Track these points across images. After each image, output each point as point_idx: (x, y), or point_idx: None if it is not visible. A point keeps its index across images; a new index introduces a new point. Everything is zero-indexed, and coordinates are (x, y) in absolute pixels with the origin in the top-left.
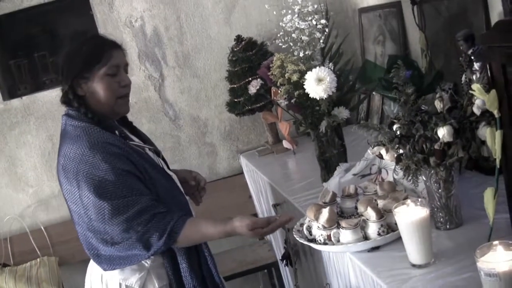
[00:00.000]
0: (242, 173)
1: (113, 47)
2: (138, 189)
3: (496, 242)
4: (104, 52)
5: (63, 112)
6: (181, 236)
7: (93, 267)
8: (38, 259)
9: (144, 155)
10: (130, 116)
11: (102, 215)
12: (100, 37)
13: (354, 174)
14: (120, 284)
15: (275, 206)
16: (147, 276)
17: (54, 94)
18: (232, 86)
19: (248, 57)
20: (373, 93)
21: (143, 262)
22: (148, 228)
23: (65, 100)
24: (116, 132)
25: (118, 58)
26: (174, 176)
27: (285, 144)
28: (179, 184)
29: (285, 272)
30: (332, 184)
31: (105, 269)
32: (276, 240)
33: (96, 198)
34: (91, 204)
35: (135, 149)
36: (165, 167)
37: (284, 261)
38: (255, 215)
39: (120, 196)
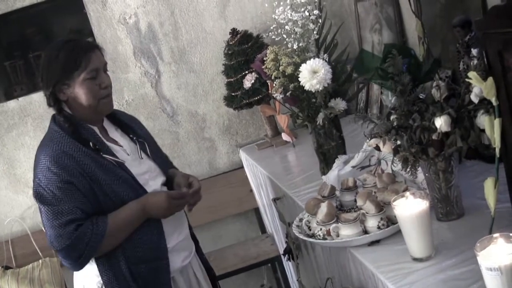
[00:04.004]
0: (242, 167)
1: (90, 50)
2: (75, 201)
3: (496, 235)
4: (82, 57)
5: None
6: (108, 231)
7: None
8: (40, 261)
9: (112, 169)
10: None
11: (43, 217)
12: (75, 41)
13: (353, 167)
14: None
15: (275, 200)
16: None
17: None
18: (229, 80)
19: (244, 50)
20: (372, 82)
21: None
22: (75, 237)
23: (48, 105)
24: (91, 144)
25: (96, 61)
26: (154, 186)
27: (284, 137)
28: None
29: (288, 266)
30: (331, 177)
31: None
32: (278, 234)
33: (38, 202)
34: (38, 205)
35: (102, 163)
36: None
37: (286, 255)
38: (257, 209)
39: (55, 204)
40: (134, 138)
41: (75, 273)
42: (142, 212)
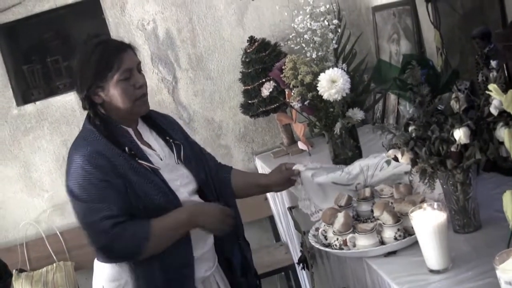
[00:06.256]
0: None
1: (121, 50)
2: (111, 198)
3: None
4: (114, 58)
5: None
6: (152, 234)
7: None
8: (54, 264)
9: (145, 173)
10: None
11: (79, 216)
12: (107, 42)
13: (334, 182)
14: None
15: (290, 208)
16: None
17: (67, 99)
18: (246, 87)
19: (261, 58)
20: (389, 92)
21: (123, 272)
22: (113, 235)
23: (84, 108)
24: (126, 149)
25: (128, 61)
26: (185, 194)
27: (300, 145)
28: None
29: (302, 275)
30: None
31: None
32: (292, 242)
33: (74, 200)
34: (72, 204)
35: (134, 165)
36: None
37: (301, 264)
38: (271, 217)
39: (91, 201)
40: (171, 140)
41: (95, 274)
42: (188, 220)
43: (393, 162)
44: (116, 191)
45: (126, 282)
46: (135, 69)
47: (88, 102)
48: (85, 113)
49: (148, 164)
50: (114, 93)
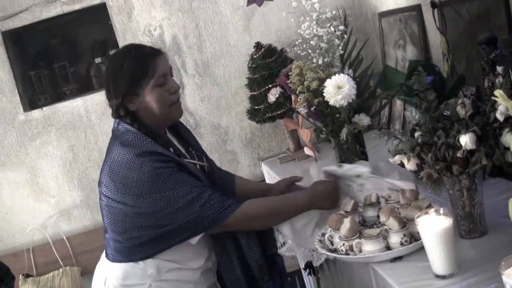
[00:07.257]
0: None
1: (154, 56)
2: (186, 181)
3: None
4: (149, 64)
5: (85, 122)
6: (246, 204)
7: (97, 272)
8: (60, 269)
9: (195, 172)
10: None
11: (167, 204)
12: (139, 47)
13: None
14: None
15: None
16: None
17: (74, 105)
18: (252, 93)
19: (268, 64)
20: (395, 98)
21: (146, 275)
22: (208, 206)
23: (117, 116)
24: (171, 149)
25: (162, 66)
26: None
27: (307, 151)
28: None
29: (309, 280)
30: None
31: (140, 258)
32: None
33: (148, 197)
34: (143, 203)
35: (186, 165)
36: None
37: (307, 270)
38: None
39: (169, 189)
40: (193, 152)
41: (103, 274)
42: (309, 202)
43: (345, 166)
44: (187, 173)
45: (149, 286)
46: (168, 74)
47: (124, 109)
48: (92, 118)
49: (196, 162)
50: (149, 99)
